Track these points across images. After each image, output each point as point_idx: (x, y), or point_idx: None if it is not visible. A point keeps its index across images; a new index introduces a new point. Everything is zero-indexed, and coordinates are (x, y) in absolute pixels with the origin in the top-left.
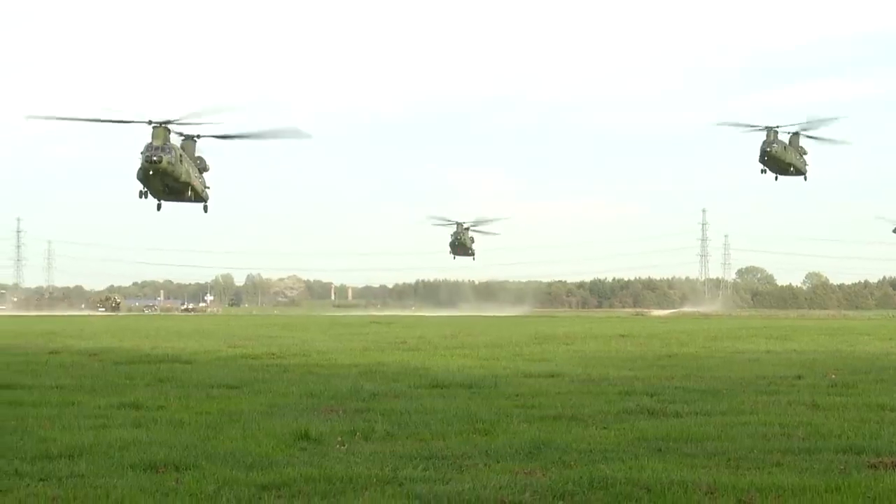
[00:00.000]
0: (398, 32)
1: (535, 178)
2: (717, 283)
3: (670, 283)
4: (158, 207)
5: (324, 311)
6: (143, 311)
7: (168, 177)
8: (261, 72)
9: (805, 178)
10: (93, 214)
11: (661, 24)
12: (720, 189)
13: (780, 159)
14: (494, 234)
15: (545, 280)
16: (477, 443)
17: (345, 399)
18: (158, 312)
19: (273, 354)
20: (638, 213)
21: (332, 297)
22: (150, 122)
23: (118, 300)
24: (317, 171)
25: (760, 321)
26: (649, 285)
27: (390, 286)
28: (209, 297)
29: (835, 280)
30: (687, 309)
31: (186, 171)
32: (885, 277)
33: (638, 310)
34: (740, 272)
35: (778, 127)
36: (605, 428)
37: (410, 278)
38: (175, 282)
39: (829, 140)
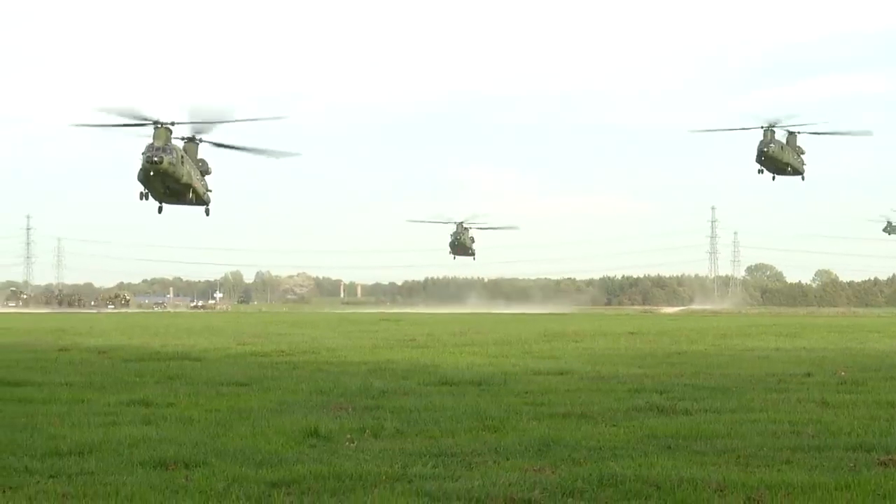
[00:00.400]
0: (410, 29)
1: (545, 175)
2: (727, 281)
3: (680, 281)
4: (160, 210)
5: (333, 309)
6: (153, 308)
7: (169, 178)
8: (270, 70)
9: (803, 178)
10: (102, 212)
11: (672, 20)
12: (730, 186)
13: (778, 159)
14: (510, 227)
15: (554, 277)
16: (486, 440)
17: (354, 396)
18: (168, 310)
19: (282, 352)
20: (647, 210)
21: (342, 295)
22: (154, 123)
23: (128, 297)
24: (327, 168)
25: (770, 318)
26: (659, 282)
27: (399, 283)
28: (219, 295)
29: (844, 277)
30: (696, 306)
31: (188, 172)
32: (895, 275)
33: (647, 307)
34: (750, 269)
35: (774, 126)
36: (614, 425)
37: (419, 275)
38: (184, 279)
39: (848, 133)
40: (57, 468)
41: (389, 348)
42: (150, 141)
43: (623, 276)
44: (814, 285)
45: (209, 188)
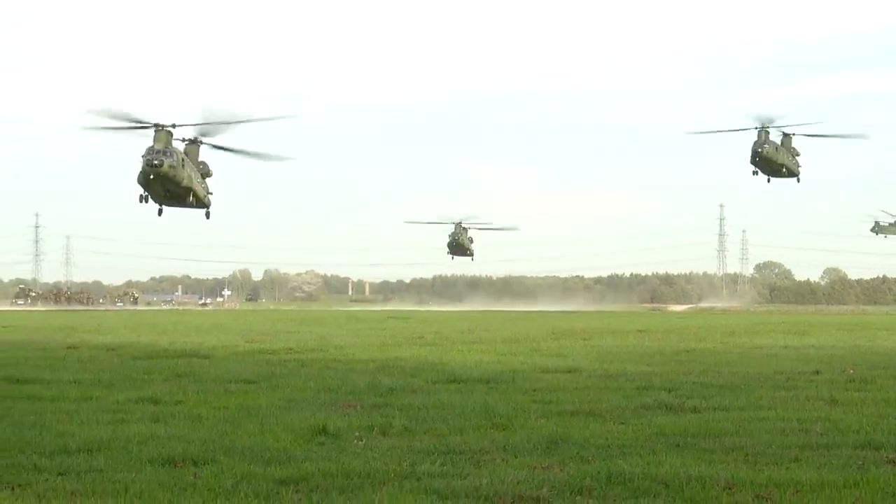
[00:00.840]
0: (410, 29)
1: (548, 173)
2: (735, 279)
3: (688, 279)
4: (159, 212)
5: (341, 306)
6: (161, 305)
7: (169, 181)
8: (270, 70)
9: (798, 180)
10: (110, 210)
11: (672, 20)
12: (738, 184)
13: (772, 160)
14: (510, 228)
15: (562, 275)
16: (494, 438)
17: (362, 394)
18: (176, 307)
19: (290, 349)
20: (656, 207)
21: (350, 292)
22: (155, 126)
23: (136, 295)
24: (334, 167)
25: (778, 316)
26: (667, 280)
27: (407, 281)
28: (227, 292)
29: (853, 275)
30: (704, 304)
31: (188, 175)
32: None
33: (655, 305)
34: (758, 267)
35: (768, 127)
36: (622, 423)
37: (427, 273)
38: (193, 277)
39: (843, 136)
40: (66, 466)
41: (397, 346)
42: (151, 144)
43: (631, 274)
44: (822, 283)
45: (210, 191)
